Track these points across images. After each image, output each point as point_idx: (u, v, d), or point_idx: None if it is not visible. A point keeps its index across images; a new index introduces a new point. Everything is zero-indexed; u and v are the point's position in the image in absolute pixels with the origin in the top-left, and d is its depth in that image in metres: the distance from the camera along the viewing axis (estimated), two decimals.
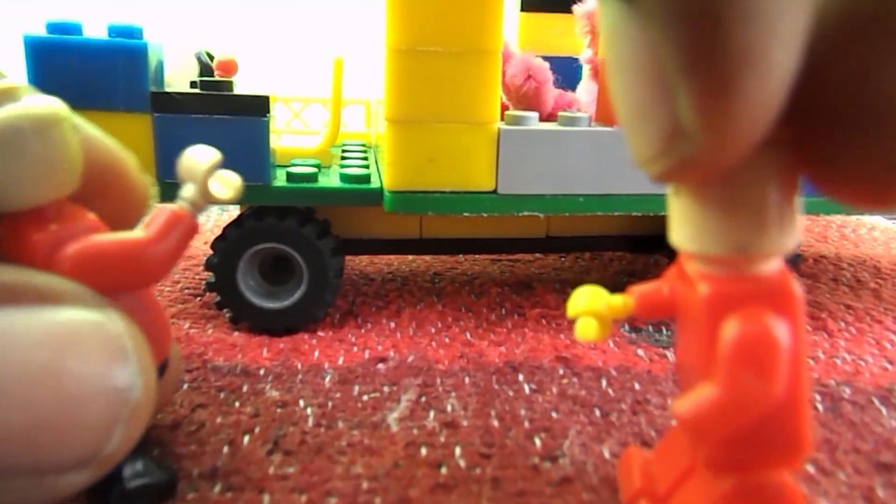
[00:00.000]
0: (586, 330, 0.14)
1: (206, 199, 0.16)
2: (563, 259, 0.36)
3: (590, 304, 0.14)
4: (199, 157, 0.16)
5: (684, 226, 0.12)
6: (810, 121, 0.10)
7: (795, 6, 0.09)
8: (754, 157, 0.11)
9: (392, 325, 0.27)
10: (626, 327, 0.27)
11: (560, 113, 0.25)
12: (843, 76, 0.10)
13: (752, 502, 0.13)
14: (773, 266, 0.12)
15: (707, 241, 0.12)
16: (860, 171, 0.10)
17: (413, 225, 0.29)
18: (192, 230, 0.16)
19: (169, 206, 0.15)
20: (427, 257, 0.35)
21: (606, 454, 0.18)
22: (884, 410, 0.21)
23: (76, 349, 0.12)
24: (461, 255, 0.35)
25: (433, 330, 0.26)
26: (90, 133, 0.16)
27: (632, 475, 0.16)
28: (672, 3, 0.09)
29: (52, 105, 0.14)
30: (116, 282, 0.14)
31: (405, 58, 0.22)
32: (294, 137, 0.32)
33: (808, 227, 0.46)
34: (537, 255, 0.36)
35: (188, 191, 0.16)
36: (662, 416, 0.20)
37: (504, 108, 0.32)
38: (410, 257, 0.35)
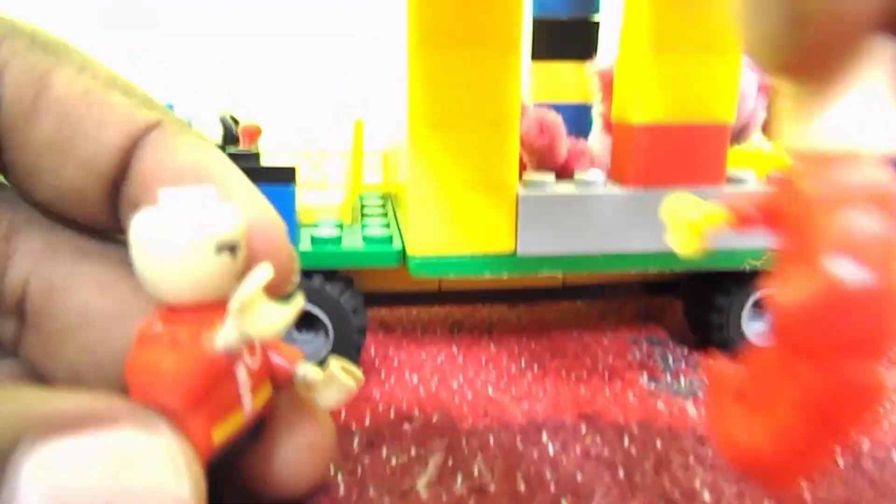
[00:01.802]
0: (682, 240, 0.14)
1: (243, 336, 0.15)
2: (578, 304, 0.37)
3: (682, 213, 0.14)
4: (242, 286, 0.14)
5: (793, 122, 0.12)
6: None
7: None
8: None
9: (415, 379, 0.27)
10: (645, 377, 0.28)
11: (576, 175, 0.25)
12: None
13: (838, 390, 0.12)
14: (874, 166, 0.12)
15: (816, 136, 0.12)
16: None
17: (433, 278, 0.30)
18: (218, 367, 0.15)
19: (204, 343, 0.15)
20: (447, 307, 0.36)
21: None
22: None
23: (132, 469, 0.13)
24: (485, 303, 0.36)
25: (455, 385, 0.27)
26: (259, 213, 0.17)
27: (720, 382, 0.15)
28: None
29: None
30: (148, 398, 0.15)
31: (427, 129, 0.23)
32: (314, 192, 0.33)
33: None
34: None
35: (228, 324, 0.15)
36: (685, 477, 0.21)
37: (520, 159, 0.33)
38: (431, 305, 0.36)
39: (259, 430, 0.17)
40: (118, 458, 0.13)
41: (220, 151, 0.18)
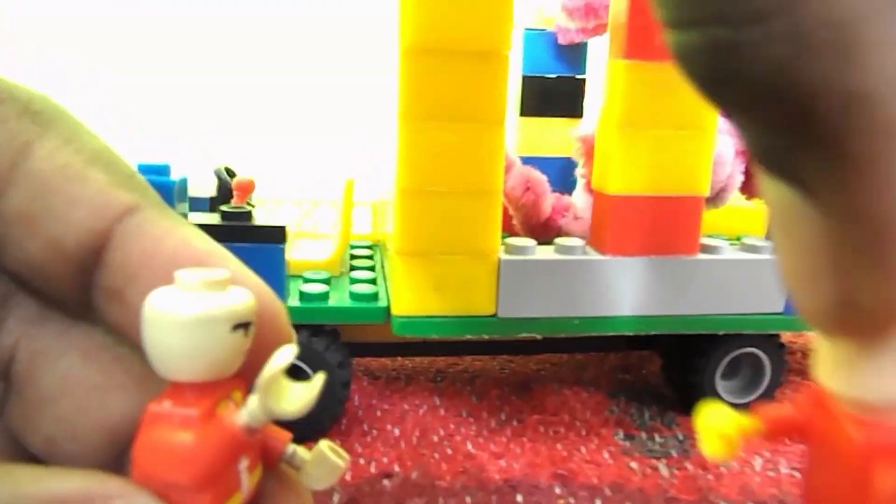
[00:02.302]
0: (712, 447, 0.14)
1: (269, 416, 0.16)
2: (562, 356, 0.37)
3: (718, 424, 0.15)
4: (268, 365, 0.16)
5: (839, 369, 0.13)
6: None
7: None
8: None
9: (396, 432, 0.28)
10: (621, 434, 0.29)
11: (556, 241, 0.26)
12: None
13: None
14: None
15: (864, 387, 0.12)
16: None
17: None
18: (239, 445, 0.16)
19: (227, 420, 0.16)
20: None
21: None
22: None
23: None
24: (467, 355, 0.37)
25: (436, 438, 0.28)
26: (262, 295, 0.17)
27: None
28: (845, 206, 0.09)
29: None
30: (157, 478, 0.15)
31: (414, 196, 0.24)
32: (305, 242, 0.34)
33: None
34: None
35: (253, 402, 0.16)
36: None
37: (505, 211, 0.34)
38: None
39: None
40: None
41: (203, 233, 0.18)
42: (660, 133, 0.24)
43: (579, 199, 0.35)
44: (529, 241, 0.26)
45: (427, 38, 0.22)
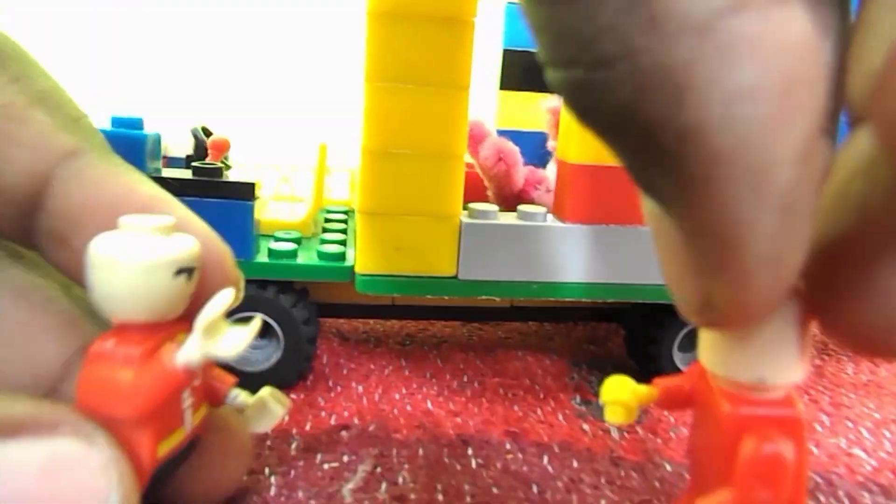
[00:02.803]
0: (613, 415, 0.16)
1: (206, 356, 0.16)
2: (529, 324, 0.38)
3: (618, 393, 0.16)
4: (206, 308, 0.16)
5: (714, 352, 0.14)
6: (817, 278, 0.12)
7: (806, 211, 0.10)
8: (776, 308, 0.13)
9: (360, 389, 0.29)
10: (578, 399, 0.29)
11: (519, 207, 0.27)
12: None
13: None
14: (783, 391, 0.14)
15: (733, 369, 0.14)
16: (861, 327, 0.12)
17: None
18: (177, 382, 0.16)
19: (166, 357, 0.16)
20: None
21: None
22: None
23: (66, 478, 0.14)
24: (435, 319, 0.37)
25: (397, 396, 0.29)
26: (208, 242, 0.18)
27: None
28: (691, 219, 0.10)
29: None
30: (98, 412, 0.15)
31: (378, 158, 0.24)
32: (280, 204, 0.34)
33: None
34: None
35: (191, 343, 0.16)
36: (593, 495, 0.22)
37: (480, 183, 0.35)
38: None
39: (193, 447, 0.19)
40: (52, 466, 0.14)
41: (147, 179, 0.18)
42: None
43: (552, 172, 0.35)
44: (492, 207, 0.26)
45: (393, 1, 0.23)
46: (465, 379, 0.31)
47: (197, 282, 0.17)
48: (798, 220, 0.10)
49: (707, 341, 0.15)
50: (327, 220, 0.33)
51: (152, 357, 0.16)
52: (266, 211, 0.32)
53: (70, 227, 0.17)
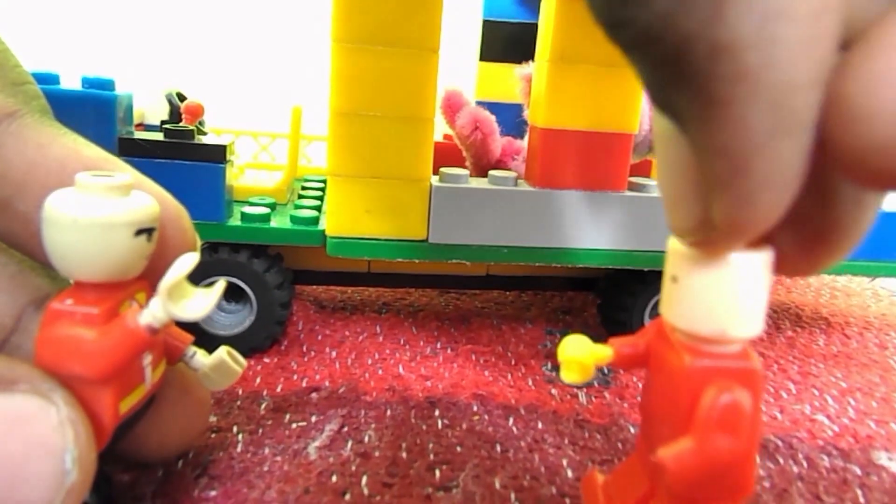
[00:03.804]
0: (569, 373, 0.16)
1: (170, 317, 0.16)
2: (507, 295, 0.39)
3: (575, 351, 0.16)
4: (170, 270, 0.16)
5: (676, 306, 0.14)
6: None
7: (809, 138, 0.10)
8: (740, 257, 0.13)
9: (333, 354, 0.29)
10: (548, 366, 0.30)
11: (490, 172, 0.27)
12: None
13: None
14: (741, 345, 0.15)
15: (694, 322, 0.14)
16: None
17: (361, 259, 0.32)
18: (140, 343, 0.16)
19: (130, 317, 0.16)
20: (380, 288, 0.38)
21: (497, 485, 0.21)
22: (756, 458, 0.24)
23: (21, 435, 0.14)
24: (410, 287, 0.38)
25: (370, 361, 0.29)
26: (163, 203, 0.18)
27: (595, 495, 0.18)
28: (707, 143, 0.10)
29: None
30: (60, 370, 0.15)
31: (347, 120, 0.24)
32: (258, 172, 0.34)
33: None
34: (484, 290, 0.39)
35: (155, 304, 0.16)
36: (555, 455, 0.23)
37: (459, 152, 0.35)
38: (364, 287, 0.38)
39: (151, 402, 0.19)
40: (8, 422, 0.14)
41: (90, 143, 0.18)
42: (590, 69, 0.25)
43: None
44: (463, 171, 0.27)
45: None
46: (439, 346, 0.31)
47: (156, 242, 0.17)
48: (804, 146, 0.10)
49: (669, 295, 0.15)
50: (304, 188, 0.33)
51: (115, 317, 0.16)
52: (242, 178, 0.32)
53: (13, 190, 0.17)
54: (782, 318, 0.39)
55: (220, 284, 0.17)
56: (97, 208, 0.15)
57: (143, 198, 0.17)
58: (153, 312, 0.16)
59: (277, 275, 0.28)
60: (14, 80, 0.18)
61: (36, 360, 0.16)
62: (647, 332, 0.17)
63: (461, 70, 0.38)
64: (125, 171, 0.18)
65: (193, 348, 0.20)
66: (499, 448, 0.23)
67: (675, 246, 0.14)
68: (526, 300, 0.38)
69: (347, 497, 0.20)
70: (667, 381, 0.16)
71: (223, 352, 0.20)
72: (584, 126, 0.26)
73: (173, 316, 0.16)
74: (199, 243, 0.20)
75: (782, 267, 0.14)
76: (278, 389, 0.26)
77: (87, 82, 0.25)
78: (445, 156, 0.34)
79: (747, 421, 0.14)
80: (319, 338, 0.31)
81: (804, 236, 0.13)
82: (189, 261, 0.16)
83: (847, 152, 0.10)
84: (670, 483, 0.15)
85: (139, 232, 0.16)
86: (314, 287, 0.37)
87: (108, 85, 0.25)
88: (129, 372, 0.17)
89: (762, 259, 0.14)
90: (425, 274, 0.33)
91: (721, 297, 0.14)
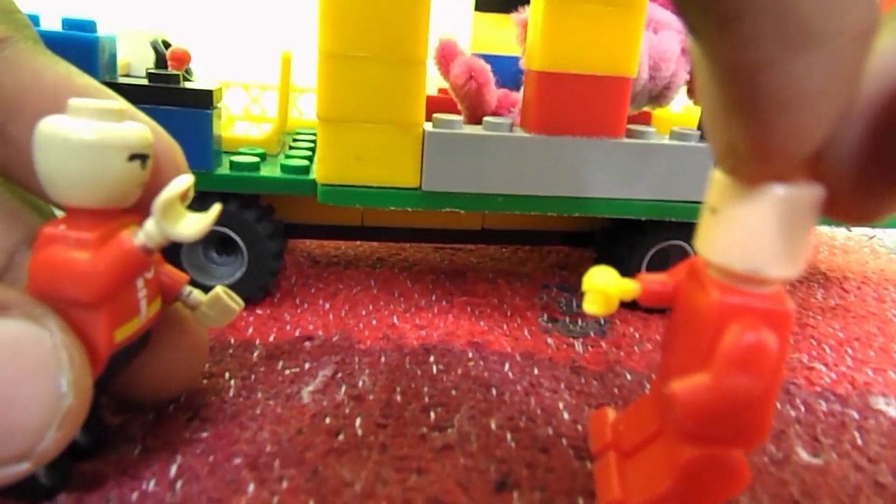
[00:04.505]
0: (593, 304, 0.16)
1: (164, 237, 0.16)
2: (503, 250, 0.38)
3: (602, 282, 0.16)
4: (166, 189, 0.16)
5: (712, 239, 0.14)
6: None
7: (835, 62, 0.10)
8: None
9: (327, 306, 0.29)
10: (545, 318, 0.30)
11: (484, 119, 0.26)
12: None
13: (709, 471, 0.15)
14: (775, 287, 0.14)
15: (730, 257, 0.14)
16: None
17: (354, 213, 0.31)
18: (135, 264, 0.16)
19: (124, 237, 0.16)
20: (374, 244, 0.37)
21: (493, 426, 0.21)
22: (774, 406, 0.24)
23: (15, 359, 0.14)
24: (406, 243, 0.37)
25: (364, 312, 0.29)
26: (157, 135, 0.18)
27: (603, 430, 0.18)
28: (722, 60, 0.10)
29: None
30: (53, 294, 0.15)
31: (336, 62, 0.24)
32: (249, 124, 0.34)
33: None
34: (479, 245, 0.38)
35: (149, 224, 0.16)
36: (551, 398, 0.23)
37: (454, 105, 0.34)
38: (358, 243, 0.37)
39: (147, 340, 0.19)
40: (0, 346, 0.14)
41: (81, 71, 0.18)
42: (587, 8, 0.24)
43: None
44: (457, 117, 0.26)
45: None
46: (434, 298, 0.31)
47: (150, 171, 0.17)
48: (827, 66, 0.10)
49: (707, 227, 0.14)
50: (295, 140, 0.33)
51: (109, 239, 0.16)
52: (231, 130, 0.31)
53: (5, 116, 0.17)
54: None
55: (216, 207, 0.16)
56: (90, 130, 0.15)
57: (136, 124, 0.16)
58: (147, 232, 0.16)
59: (268, 225, 0.28)
60: (4, 6, 0.17)
61: (29, 285, 0.16)
62: (678, 271, 0.16)
63: (456, 21, 0.38)
64: (117, 100, 0.18)
65: (189, 287, 0.19)
66: (494, 391, 0.23)
67: (717, 176, 0.14)
68: (522, 256, 0.38)
69: (341, 437, 0.20)
70: (693, 318, 0.15)
71: (220, 289, 0.20)
72: (581, 69, 0.25)
73: (168, 234, 0.16)
74: (192, 180, 0.19)
75: (836, 210, 0.13)
76: (271, 339, 0.26)
77: (67, 23, 0.24)
78: (440, 110, 0.33)
79: (770, 363, 0.13)
80: (313, 291, 0.30)
81: (862, 178, 0.12)
82: (184, 180, 0.16)
83: None
84: (679, 417, 0.15)
85: (133, 157, 0.16)
86: (308, 244, 0.36)
87: (89, 26, 0.24)
88: (123, 300, 0.17)
89: (804, 195, 0.13)
90: (419, 228, 0.32)
91: (758, 233, 0.13)
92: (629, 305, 0.31)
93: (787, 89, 0.10)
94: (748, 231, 0.13)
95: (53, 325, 0.15)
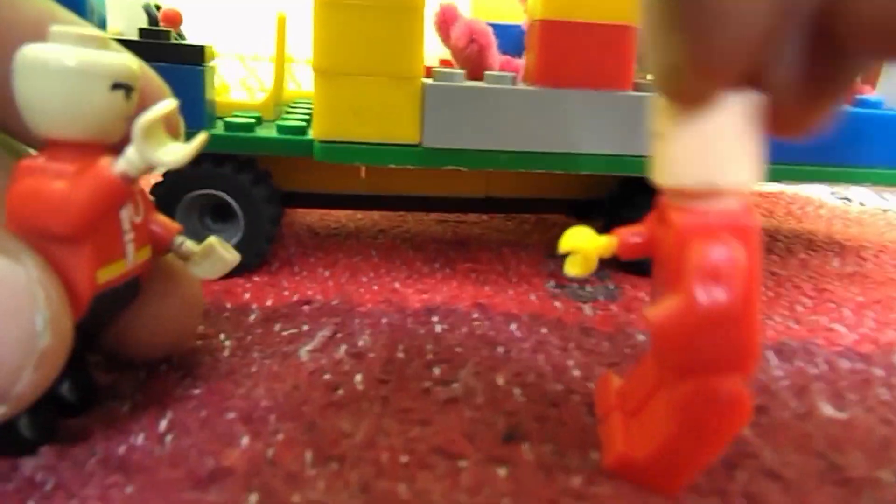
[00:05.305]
0: (573, 265, 0.16)
1: (146, 162, 0.15)
2: (507, 223, 0.37)
3: (578, 241, 0.16)
4: (147, 112, 0.15)
5: (663, 163, 0.14)
6: None
7: None
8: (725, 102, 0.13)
9: (327, 273, 0.28)
10: (552, 283, 0.29)
11: (486, 72, 0.26)
12: None
13: (707, 405, 0.14)
14: (736, 201, 0.14)
15: (682, 175, 0.13)
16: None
17: (355, 180, 0.30)
18: (115, 192, 0.15)
19: (103, 164, 0.15)
20: (375, 216, 0.36)
21: (500, 381, 0.20)
22: (773, 360, 0.23)
23: None
24: (409, 215, 0.36)
25: (365, 279, 0.28)
26: (147, 77, 0.17)
27: (607, 394, 0.18)
28: None
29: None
30: (30, 226, 0.15)
31: (331, 9, 0.23)
32: (245, 94, 0.33)
33: (757, 202, 0.47)
34: (483, 217, 0.37)
35: (130, 150, 0.15)
36: (560, 356, 0.22)
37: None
38: (360, 215, 0.36)
39: (136, 290, 0.18)
40: None
41: (63, 7, 0.17)
42: None
43: None
44: (458, 70, 0.25)
45: None
46: (437, 265, 0.30)
47: (136, 105, 0.16)
48: None
49: (657, 154, 0.14)
50: (292, 108, 0.32)
51: (87, 170, 0.15)
52: (227, 95, 0.31)
53: None
54: (794, 242, 0.37)
55: (201, 135, 0.16)
56: (70, 56, 0.15)
57: (120, 54, 0.15)
58: (128, 158, 0.15)
59: (264, 188, 0.27)
60: None
61: (6, 217, 0.15)
62: (649, 219, 0.16)
63: None
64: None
65: (182, 237, 0.18)
66: (501, 350, 0.22)
67: (657, 102, 0.14)
68: (527, 228, 0.37)
69: (340, 392, 0.19)
70: (665, 257, 0.15)
71: (213, 239, 0.19)
72: (585, 17, 0.24)
73: (149, 160, 0.15)
74: (182, 126, 0.18)
75: (779, 121, 0.13)
76: (268, 303, 0.25)
77: None
78: None
79: (738, 272, 0.13)
80: (312, 260, 0.29)
81: (803, 86, 0.12)
82: (167, 104, 0.15)
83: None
84: (657, 343, 0.14)
85: (116, 86, 0.15)
86: (308, 217, 0.36)
87: None
88: (106, 238, 0.16)
89: (741, 102, 0.13)
90: (422, 196, 0.31)
91: (703, 144, 0.13)
92: (639, 270, 0.30)
93: (724, 4, 0.10)
94: (694, 145, 0.13)
95: (30, 261, 0.14)
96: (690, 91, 0.12)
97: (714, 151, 0.13)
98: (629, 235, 0.16)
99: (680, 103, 0.13)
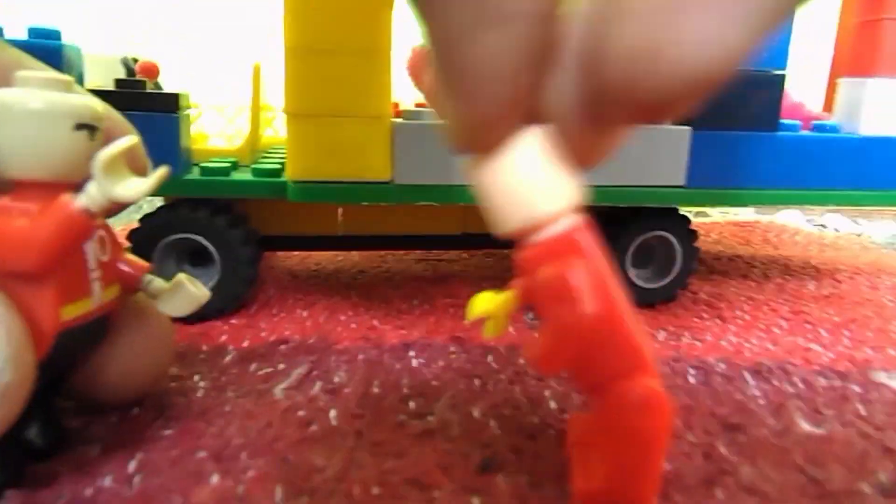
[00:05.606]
0: (489, 329, 0.16)
1: (106, 197, 0.15)
2: (487, 259, 0.37)
3: (482, 306, 0.16)
4: (108, 147, 0.15)
5: (491, 216, 0.14)
6: None
7: (524, 29, 0.11)
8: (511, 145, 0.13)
9: (305, 314, 0.28)
10: (530, 315, 0.29)
11: None
12: None
13: (623, 408, 0.14)
14: (566, 222, 0.13)
15: (507, 222, 0.13)
16: None
17: (331, 222, 0.31)
18: (77, 227, 0.15)
19: (64, 200, 0.15)
20: (355, 257, 0.37)
21: (476, 413, 0.20)
22: (750, 381, 0.23)
23: None
24: (389, 255, 0.37)
25: (343, 318, 0.28)
26: (113, 120, 0.18)
27: (572, 429, 0.17)
28: (429, 34, 0.11)
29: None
30: (21, 264, 0.15)
31: (301, 55, 0.24)
32: (223, 141, 0.33)
33: (733, 231, 0.48)
34: (463, 255, 0.38)
35: (91, 186, 0.15)
36: (537, 387, 0.22)
37: None
38: (339, 256, 0.37)
39: (104, 330, 0.18)
40: None
41: (34, 58, 0.18)
42: None
43: None
44: (426, 109, 0.26)
45: None
46: (415, 302, 0.30)
47: (100, 145, 0.16)
48: (516, 39, 0.11)
49: (485, 208, 0.14)
50: (269, 153, 0.32)
51: (51, 207, 0.15)
52: (205, 143, 0.31)
53: None
54: (770, 267, 0.38)
55: (161, 170, 0.16)
56: (34, 98, 0.15)
57: (84, 96, 0.16)
58: (89, 193, 0.15)
59: (241, 231, 0.27)
60: None
61: None
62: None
63: None
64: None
65: (150, 275, 0.19)
66: (477, 382, 0.22)
67: (463, 164, 0.14)
68: (507, 264, 0.37)
69: (314, 427, 0.18)
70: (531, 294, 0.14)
71: (183, 277, 0.19)
72: None
73: (110, 195, 0.15)
74: (149, 165, 0.19)
75: (572, 151, 0.13)
76: (244, 344, 0.25)
77: (33, 32, 0.24)
78: None
79: (576, 284, 0.13)
80: (290, 301, 0.30)
81: (581, 117, 0.12)
82: (127, 140, 0.15)
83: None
84: (543, 373, 0.14)
85: (79, 127, 0.15)
86: (287, 261, 0.36)
87: (54, 35, 0.24)
88: (70, 275, 0.16)
89: (527, 138, 0.13)
90: (399, 235, 0.32)
91: (510, 187, 0.13)
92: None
93: (481, 61, 0.11)
94: (503, 191, 0.13)
95: None
96: (479, 142, 0.13)
97: (522, 189, 0.13)
98: (517, 286, 0.16)
99: (475, 153, 0.13)
